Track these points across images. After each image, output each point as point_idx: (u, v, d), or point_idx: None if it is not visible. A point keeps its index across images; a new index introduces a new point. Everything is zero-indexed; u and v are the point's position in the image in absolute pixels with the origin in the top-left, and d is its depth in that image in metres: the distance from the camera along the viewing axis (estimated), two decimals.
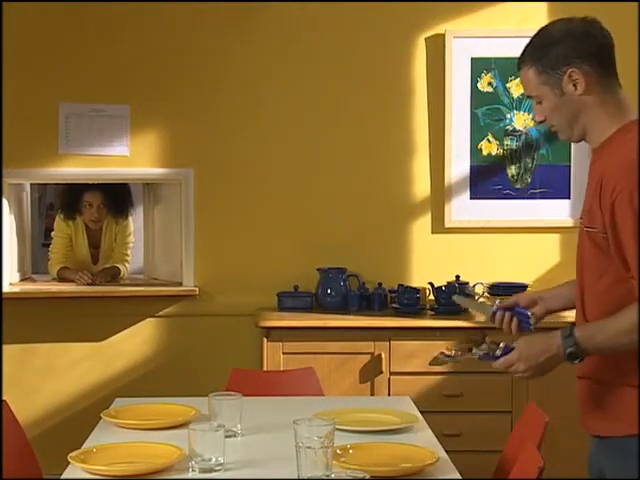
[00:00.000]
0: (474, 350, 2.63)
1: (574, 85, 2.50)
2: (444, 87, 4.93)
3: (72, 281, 5.18)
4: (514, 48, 5.00)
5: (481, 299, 2.96)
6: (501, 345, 2.56)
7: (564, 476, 3.87)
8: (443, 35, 4.95)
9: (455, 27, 4.96)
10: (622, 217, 2.35)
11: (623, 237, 2.36)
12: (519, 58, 2.62)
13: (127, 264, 5.49)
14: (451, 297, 3.28)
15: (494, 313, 2.76)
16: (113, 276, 5.33)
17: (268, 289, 4.94)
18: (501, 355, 2.55)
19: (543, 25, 2.66)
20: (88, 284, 5.10)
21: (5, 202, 5.04)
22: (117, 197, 5.44)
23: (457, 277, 4.87)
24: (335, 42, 5.01)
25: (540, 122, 2.60)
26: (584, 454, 2.62)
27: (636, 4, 4.93)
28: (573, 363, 2.43)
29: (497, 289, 4.75)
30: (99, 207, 5.38)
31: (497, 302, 2.82)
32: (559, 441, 4.12)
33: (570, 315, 2.69)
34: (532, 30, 5.10)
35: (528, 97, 2.65)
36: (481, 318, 2.68)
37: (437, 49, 4.96)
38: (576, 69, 2.50)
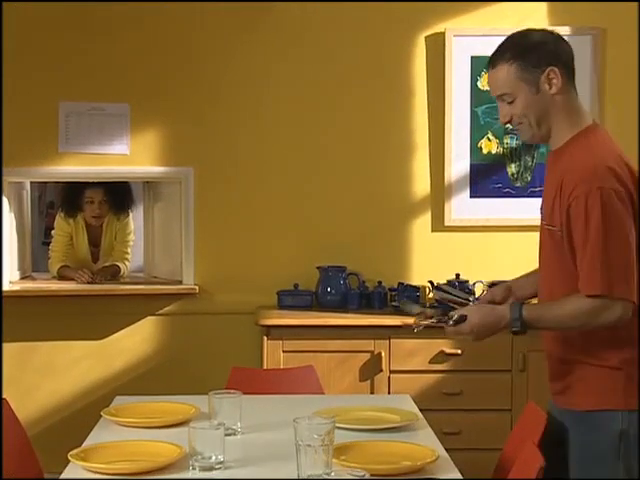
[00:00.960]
0: (434, 318, 2.87)
1: (549, 84, 2.70)
2: (444, 85, 4.94)
3: (72, 279, 5.18)
4: None
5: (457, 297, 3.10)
6: (455, 314, 2.79)
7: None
8: (443, 34, 4.96)
9: (455, 26, 4.97)
10: (575, 222, 2.60)
11: (575, 241, 2.62)
12: (494, 56, 2.76)
13: (127, 262, 5.49)
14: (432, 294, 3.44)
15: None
16: (113, 274, 5.33)
17: (268, 287, 4.95)
18: (455, 323, 2.78)
19: (514, 33, 2.82)
20: (88, 282, 5.10)
21: (5, 200, 5.05)
22: (118, 194, 5.44)
23: (457, 275, 4.87)
24: (335, 41, 5.01)
25: (505, 123, 2.79)
26: None
27: (636, 4, 4.94)
28: (516, 334, 2.72)
29: None
30: (101, 203, 5.38)
31: (471, 299, 3.04)
32: None
33: None
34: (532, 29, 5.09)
35: (497, 97, 2.78)
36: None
37: (437, 48, 4.96)
38: (555, 69, 2.70)
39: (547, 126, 2.74)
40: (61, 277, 5.30)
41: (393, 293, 4.91)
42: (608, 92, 4.99)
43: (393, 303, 4.80)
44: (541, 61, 2.69)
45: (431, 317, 2.90)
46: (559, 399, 2.80)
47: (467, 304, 3.00)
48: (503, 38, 4.86)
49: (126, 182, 5.50)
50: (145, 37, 4.99)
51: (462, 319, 2.76)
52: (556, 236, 2.68)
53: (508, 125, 2.82)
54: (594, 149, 2.66)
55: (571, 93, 2.74)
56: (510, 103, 2.73)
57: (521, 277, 3.12)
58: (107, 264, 5.41)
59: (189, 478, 2.57)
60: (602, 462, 2.66)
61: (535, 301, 2.90)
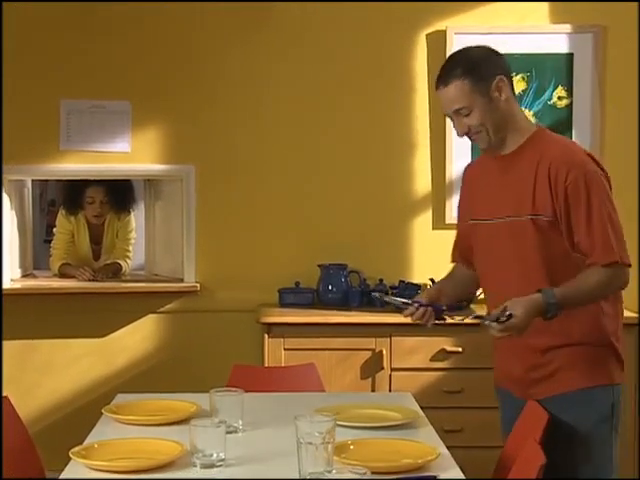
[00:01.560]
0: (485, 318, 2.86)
1: (499, 92, 2.90)
2: None
3: (73, 277, 5.18)
4: (515, 44, 5.06)
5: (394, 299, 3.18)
6: (497, 313, 2.80)
7: None
8: (444, 31, 4.95)
9: (456, 23, 4.96)
10: (576, 203, 2.82)
11: (578, 220, 2.82)
12: (443, 74, 2.96)
13: (129, 260, 5.49)
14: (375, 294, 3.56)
15: (417, 308, 3.04)
16: (114, 272, 5.33)
17: (269, 285, 4.95)
18: (503, 320, 2.78)
19: (455, 52, 3.05)
20: (89, 280, 5.10)
21: (6, 198, 5.05)
22: (119, 193, 5.44)
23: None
24: (336, 40, 5.01)
25: (463, 135, 2.96)
26: None
27: (636, 4, 4.93)
28: (551, 318, 2.80)
29: None
30: (101, 203, 5.38)
31: (411, 304, 3.07)
32: None
33: None
34: (533, 26, 5.15)
35: (453, 112, 2.94)
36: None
37: (438, 45, 4.96)
38: (503, 77, 2.91)
39: (503, 133, 2.94)
40: (62, 275, 5.30)
41: (394, 291, 4.90)
42: (609, 90, 4.99)
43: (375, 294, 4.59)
44: (489, 72, 2.90)
45: (481, 317, 2.90)
46: (540, 390, 2.92)
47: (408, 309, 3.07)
48: (504, 36, 4.89)
49: (128, 180, 5.50)
50: (146, 35, 4.99)
51: (508, 316, 2.77)
52: (540, 223, 2.86)
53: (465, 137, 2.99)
54: (563, 142, 2.97)
55: (515, 102, 2.98)
56: (467, 116, 2.92)
57: (445, 279, 3.32)
58: (108, 262, 5.41)
59: (190, 477, 2.57)
60: (597, 436, 2.86)
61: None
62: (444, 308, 3.09)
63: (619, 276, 2.84)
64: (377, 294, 3.39)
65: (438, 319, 3.06)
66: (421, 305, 3.04)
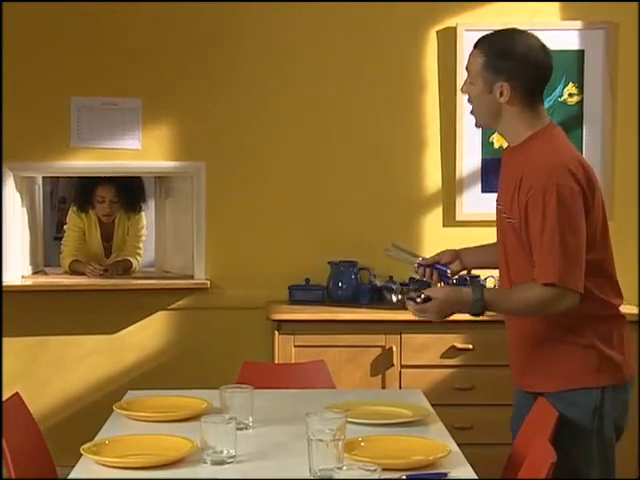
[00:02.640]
0: (410, 293, 2.97)
1: (500, 94, 2.87)
2: (455, 80, 4.92)
3: (83, 274, 5.19)
4: None
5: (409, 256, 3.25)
6: (423, 294, 2.91)
7: None
8: (454, 28, 4.95)
9: (466, 20, 4.96)
10: (532, 216, 2.77)
11: (532, 233, 2.78)
12: (482, 38, 2.93)
13: (139, 257, 5.50)
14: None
15: (418, 267, 3.21)
16: (125, 269, 5.34)
17: (279, 282, 4.95)
18: (422, 301, 2.90)
19: (512, 28, 2.97)
20: (99, 277, 5.11)
21: (17, 195, 5.06)
22: (130, 191, 5.45)
23: (468, 270, 4.85)
24: (346, 36, 5.01)
25: (463, 92, 2.99)
26: None
27: (636, 4, 4.92)
28: (477, 316, 2.86)
29: None
30: (111, 202, 5.39)
31: (420, 258, 3.25)
32: None
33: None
34: (544, 23, 5.14)
35: (466, 69, 2.97)
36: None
37: (448, 42, 4.95)
38: (509, 86, 2.85)
39: (499, 124, 2.93)
40: (73, 271, 5.31)
41: (404, 288, 4.90)
42: (620, 87, 4.97)
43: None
44: (502, 73, 2.85)
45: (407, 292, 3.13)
46: (525, 381, 2.98)
47: (417, 261, 3.21)
48: None
49: (138, 179, 5.51)
50: (157, 33, 4.99)
51: (428, 299, 2.88)
52: (516, 227, 2.85)
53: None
54: (553, 149, 2.84)
55: (527, 101, 2.89)
56: (469, 84, 2.93)
57: (472, 247, 3.36)
58: (119, 259, 5.42)
59: (200, 473, 2.58)
60: (576, 438, 2.83)
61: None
62: (448, 274, 3.19)
63: (558, 299, 2.75)
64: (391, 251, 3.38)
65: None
66: (420, 265, 3.19)
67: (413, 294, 2.92)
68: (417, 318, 2.98)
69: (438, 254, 3.25)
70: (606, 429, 2.85)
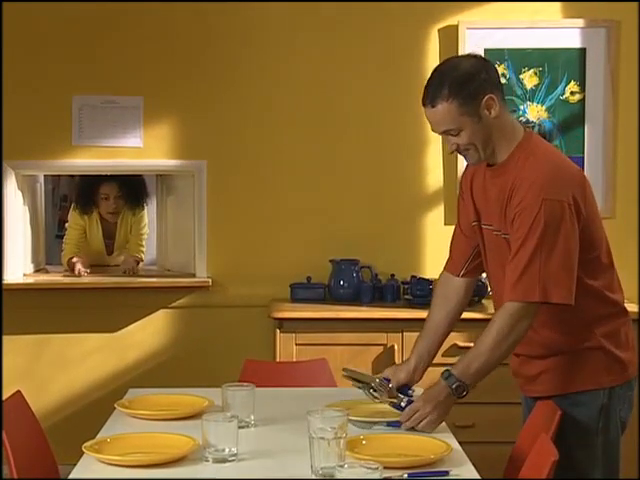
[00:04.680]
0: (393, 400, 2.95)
1: (489, 110, 2.79)
2: None
3: (73, 270, 5.17)
4: (527, 39, 5.05)
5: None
6: (405, 399, 2.93)
7: None
8: (456, 26, 4.94)
9: (468, 18, 4.95)
10: (517, 230, 2.74)
11: (512, 246, 2.77)
12: (430, 93, 2.85)
13: (142, 255, 5.50)
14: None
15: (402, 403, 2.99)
16: (136, 264, 5.34)
17: (281, 280, 4.95)
18: (406, 406, 2.88)
19: (443, 64, 2.93)
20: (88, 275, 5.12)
21: (19, 193, 5.07)
22: (132, 187, 5.45)
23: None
24: (348, 34, 5.01)
25: (452, 152, 2.89)
26: None
27: (636, 4, 4.92)
28: (462, 396, 2.83)
29: None
30: (116, 198, 5.40)
31: (376, 380, 3.06)
32: None
33: None
34: (545, 21, 5.12)
35: (442, 133, 2.85)
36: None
37: (450, 40, 4.95)
38: (492, 95, 2.79)
39: (491, 147, 2.84)
40: (71, 269, 5.29)
41: (406, 286, 4.90)
42: (622, 85, 4.97)
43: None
44: (478, 91, 2.77)
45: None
46: (532, 388, 2.98)
47: (371, 386, 3.03)
48: (517, 31, 4.86)
49: (140, 176, 5.51)
50: (158, 30, 4.99)
51: (410, 402, 2.88)
52: (510, 241, 2.81)
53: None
54: (536, 160, 2.78)
55: (504, 112, 2.84)
56: (455, 135, 2.82)
57: (417, 346, 3.24)
58: (134, 254, 5.41)
59: (202, 471, 2.57)
60: (582, 438, 2.83)
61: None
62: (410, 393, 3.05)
63: (525, 316, 2.74)
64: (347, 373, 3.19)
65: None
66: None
67: (395, 400, 2.91)
68: (413, 424, 2.85)
69: (393, 375, 3.10)
70: (612, 427, 2.86)
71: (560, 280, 2.70)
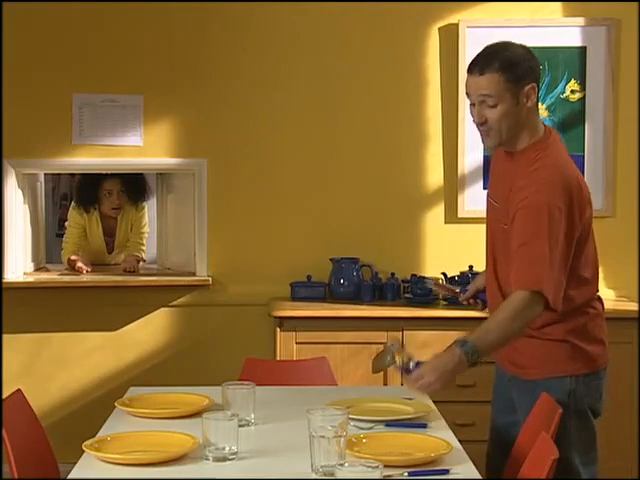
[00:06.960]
0: (397, 361, 2.97)
1: (527, 98, 2.91)
2: (457, 77, 4.92)
3: (73, 268, 5.18)
4: (528, 38, 5.03)
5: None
6: (412, 361, 2.92)
7: None
8: (456, 25, 4.94)
9: (468, 17, 4.95)
10: (518, 225, 2.85)
11: (516, 241, 2.86)
12: (480, 63, 2.93)
13: (143, 254, 5.50)
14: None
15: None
16: (137, 263, 5.34)
17: (281, 279, 4.95)
18: (413, 369, 2.88)
19: (496, 43, 3.01)
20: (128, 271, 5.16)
21: (20, 192, 5.06)
22: (134, 183, 5.45)
23: (470, 267, 4.86)
24: (348, 32, 5.00)
25: (479, 124, 2.95)
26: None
27: (636, 3, 4.91)
28: (475, 364, 2.85)
29: None
30: (119, 193, 5.40)
31: (459, 289, 3.40)
32: None
33: None
34: (546, 20, 5.12)
35: (479, 99, 2.91)
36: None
37: (450, 39, 4.95)
38: (534, 85, 2.92)
39: (515, 134, 2.94)
40: (72, 268, 5.30)
41: (406, 285, 4.91)
42: (622, 84, 4.97)
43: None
44: (525, 76, 2.90)
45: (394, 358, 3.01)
46: (508, 366, 3.11)
47: (457, 294, 3.37)
48: (517, 29, 4.86)
49: (140, 174, 5.51)
50: (158, 28, 4.99)
51: (418, 365, 2.88)
52: (509, 231, 2.92)
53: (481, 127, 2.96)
54: (549, 161, 2.90)
55: (536, 106, 2.97)
56: (491, 107, 2.90)
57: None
58: (135, 253, 5.41)
59: (202, 470, 2.58)
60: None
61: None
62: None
63: (535, 304, 2.83)
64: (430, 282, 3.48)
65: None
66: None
67: (405, 364, 2.92)
68: (417, 390, 2.90)
69: (473, 284, 3.40)
70: (582, 409, 2.96)
71: (557, 285, 2.84)
